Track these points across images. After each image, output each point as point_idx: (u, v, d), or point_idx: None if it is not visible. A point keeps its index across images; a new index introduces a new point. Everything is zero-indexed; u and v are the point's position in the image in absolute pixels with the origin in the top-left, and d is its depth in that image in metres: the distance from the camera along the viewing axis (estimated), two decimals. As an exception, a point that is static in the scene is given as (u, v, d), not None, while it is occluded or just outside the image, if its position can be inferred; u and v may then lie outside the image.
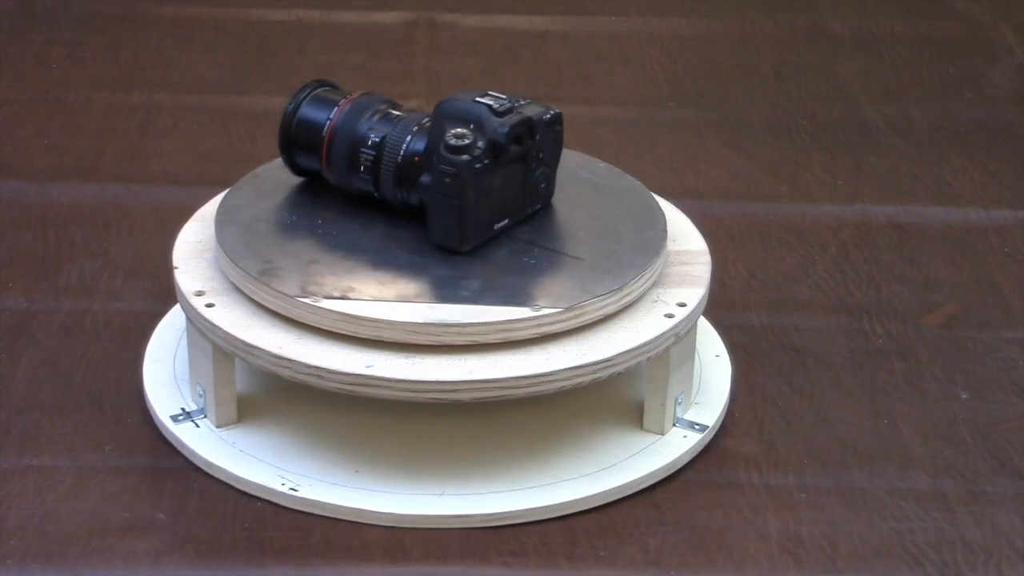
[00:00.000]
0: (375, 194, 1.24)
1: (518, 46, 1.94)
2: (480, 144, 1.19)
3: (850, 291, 1.49)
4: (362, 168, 1.23)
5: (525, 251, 1.24)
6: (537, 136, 1.22)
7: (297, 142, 1.28)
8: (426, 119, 1.24)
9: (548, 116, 1.22)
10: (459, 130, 1.19)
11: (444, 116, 1.21)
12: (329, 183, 1.27)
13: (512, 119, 1.20)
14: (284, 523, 1.18)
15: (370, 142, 1.23)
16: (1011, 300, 1.48)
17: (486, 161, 1.19)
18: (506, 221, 1.24)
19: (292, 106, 1.28)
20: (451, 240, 1.22)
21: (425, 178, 1.20)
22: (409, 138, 1.23)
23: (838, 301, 1.47)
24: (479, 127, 1.19)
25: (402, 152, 1.22)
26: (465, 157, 1.18)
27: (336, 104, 1.27)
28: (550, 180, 1.26)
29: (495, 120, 1.20)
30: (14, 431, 1.27)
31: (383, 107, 1.26)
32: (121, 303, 1.43)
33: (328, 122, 1.25)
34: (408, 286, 1.20)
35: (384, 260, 1.22)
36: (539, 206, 1.26)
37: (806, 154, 1.72)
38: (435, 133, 1.21)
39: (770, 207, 1.62)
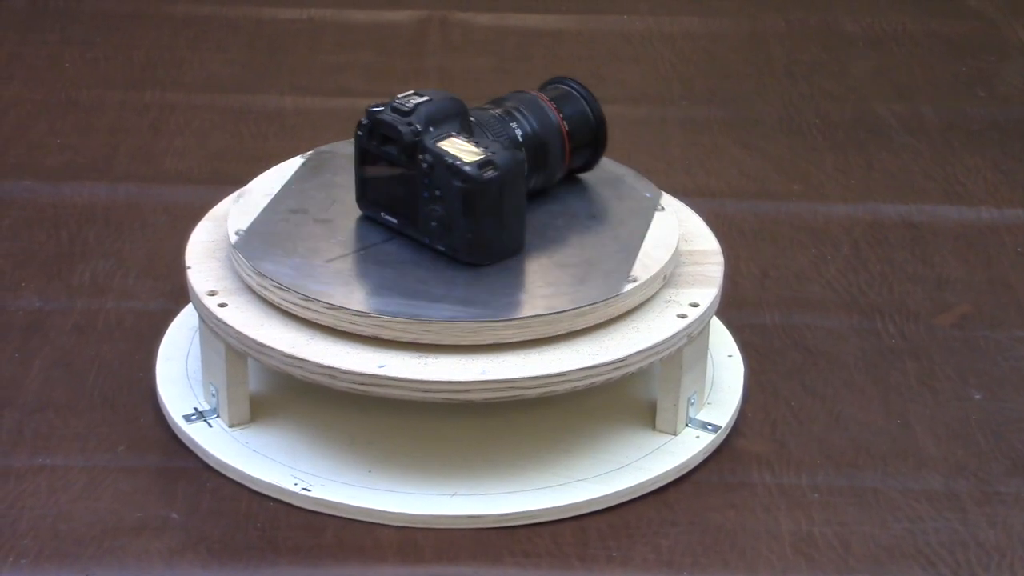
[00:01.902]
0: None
1: (530, 45, 1.94)
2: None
3: (863, 290, 1.48)
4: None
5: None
6: (424, 159, 1.20)
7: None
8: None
9: (451, 161, 1.18)
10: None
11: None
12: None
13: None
14: (297, 523, 1.19)
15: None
16: (1024, 299, 1.48)
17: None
18: (390, 217, 1.23)
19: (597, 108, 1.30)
20: None
21: None
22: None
23: (851, 300, 1.47)
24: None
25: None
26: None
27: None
28: (447, 226, 1.20)
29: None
30: (27, 431, 1.27)
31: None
32: (134, 303, 1.43)
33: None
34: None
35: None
36: (437, 245, 1.22)
37: (818, 153, 1.72)
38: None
39: (782, 206, 1.62)
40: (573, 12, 2.02)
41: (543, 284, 1.21)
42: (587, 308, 1.19)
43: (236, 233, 1.25)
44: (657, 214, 1.29)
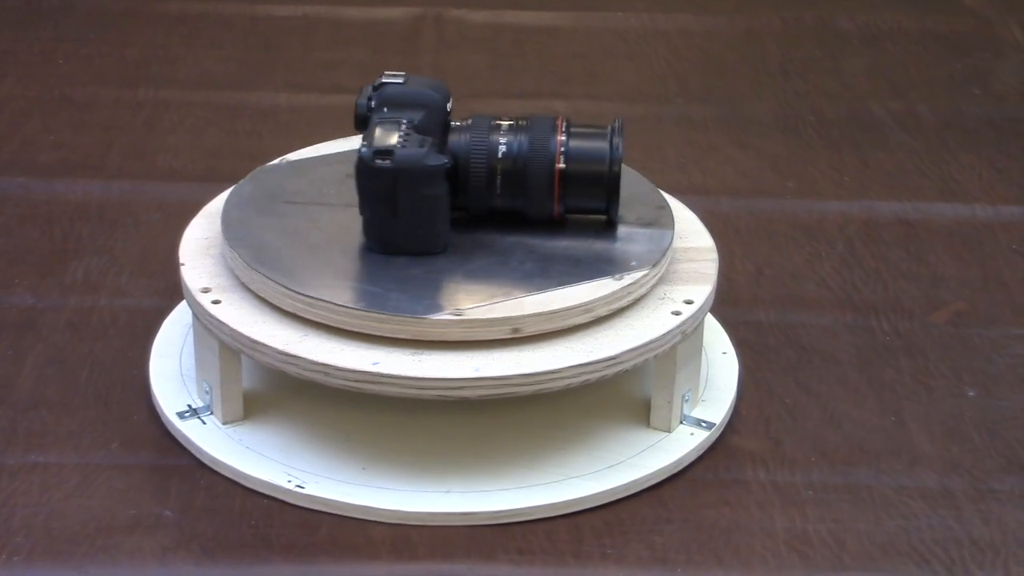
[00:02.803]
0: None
1: (525, 42, 1.94)
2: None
3: (857, 288, 1.48)
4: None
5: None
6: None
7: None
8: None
9: (362, 149, 1.18)
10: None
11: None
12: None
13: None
14: (290, 520, 1.18)
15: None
16: (1019, 297, 1.48)
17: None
18: None
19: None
20: None
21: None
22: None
23: (845, 298, 1.47)
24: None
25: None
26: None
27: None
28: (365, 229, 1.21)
29: None
30: (20, 428, 1.27)
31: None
32: (127, 300, 1.43)
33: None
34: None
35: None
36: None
37: (813, 151, 1.72)
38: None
39: (777, 204, 1.61)
40: (568, 9, 2.02)
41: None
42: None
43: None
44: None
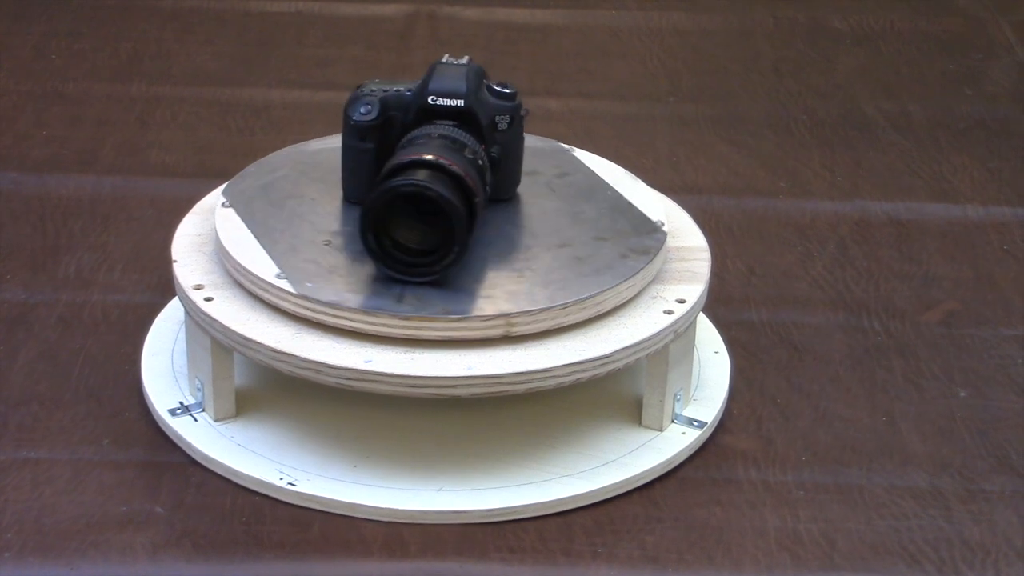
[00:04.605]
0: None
1: (518, 39, 1.94)
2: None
3: (849, 288, 1.48)
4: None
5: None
6: None
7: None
8: (449, 123, 1.24)
9: None
10: (489, 82, 1.25)
11: (475, 92, 1.24)
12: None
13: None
14: (282, 517, 1.18)
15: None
16: (1010, 297, 1.48)
17: None
18: None
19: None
20: (520, 177, 1.29)
21: (495, 151, 1.24)
22: (476, 142, 1.24)
23: (837, 298, 1.47)
24: (482, 74, 1.26)
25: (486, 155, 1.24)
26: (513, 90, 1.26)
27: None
28: None
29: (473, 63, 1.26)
30: (11, 424, 1.27)
31: (450, 143, 1.22)
32: (119, 296, 1.43)
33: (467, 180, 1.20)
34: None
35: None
36: None
37: (805, 150, 1.72)
38: (482, 112, 1.24)
39: (769, 203, 1.62)
40: (561, 7, 2.02)
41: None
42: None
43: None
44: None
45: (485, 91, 1.25)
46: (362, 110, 1.24)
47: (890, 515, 1.21)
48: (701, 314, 1.32)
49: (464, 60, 1.26)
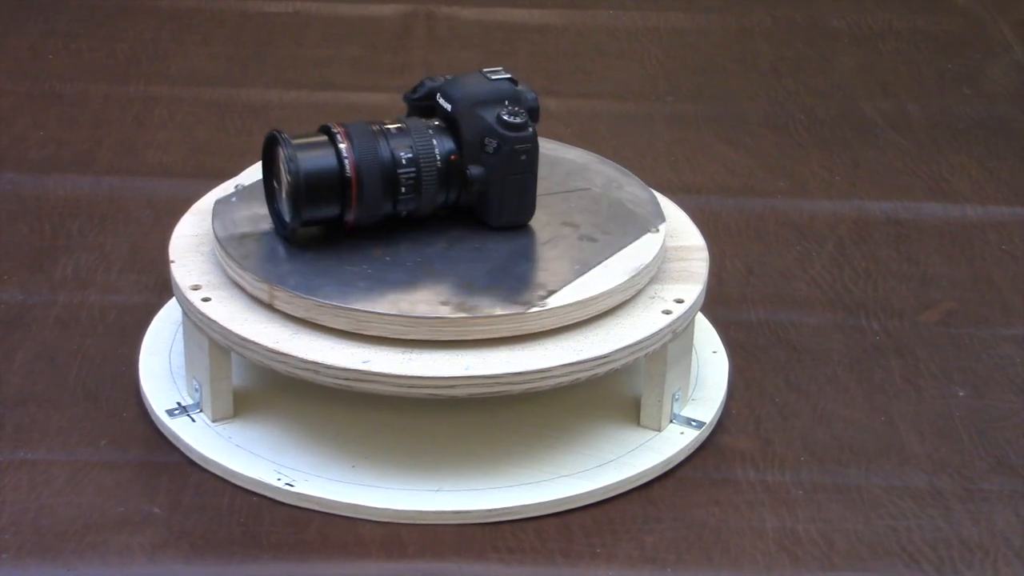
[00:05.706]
0: (404, 213, 1.22)
1: (516, 39, 1.94)
2: (525, 115, 1.22)
3: (847, 287, 1.48)
4: (403, 189, 1.21)
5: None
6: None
7: (311, 197, 1.19)
8: (434, 121, 1.23)
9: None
10: (511, 108, 1.21)
11: (468, 104, 1.21)
12: (346, 223, 1.21)
13: (524, 88, 1.24)
14: (280, 518, 1.18)
15: (404, 160, 1.20)
16: (1008, 297, 1.48)
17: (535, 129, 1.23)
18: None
19: (294, 167, 1.18)
20: (525, 213, 1.25)
21: (476, 170, 1.21)
22: (435, 143, 1.21)
23: (835, 297, 1.47)
24: (515, 100, 1.22)
25: (439, 157, 1.21)
26: (530, 130, 1.21)
27: (328, 144, 1.20)
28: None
29: (517, 89, 1.23)
30: (9, 425, 1.26)
31: (375, 127, 1.21)
32: (117, 296, 1.42)
33: (346, 161, 1.19)
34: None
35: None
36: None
37: (804, 150, 1.72)
38: (467, 124, 1.21)
39: (767, 203, 1.62)
40: (559, 7, 2.02)
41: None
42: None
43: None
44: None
45: (490, 109, 1.22)
46: (412, 90, 1.26)
47: (888, 515, 1.21)
48: (699, 314, 1.32)
49: (496, 73, 1.25)
